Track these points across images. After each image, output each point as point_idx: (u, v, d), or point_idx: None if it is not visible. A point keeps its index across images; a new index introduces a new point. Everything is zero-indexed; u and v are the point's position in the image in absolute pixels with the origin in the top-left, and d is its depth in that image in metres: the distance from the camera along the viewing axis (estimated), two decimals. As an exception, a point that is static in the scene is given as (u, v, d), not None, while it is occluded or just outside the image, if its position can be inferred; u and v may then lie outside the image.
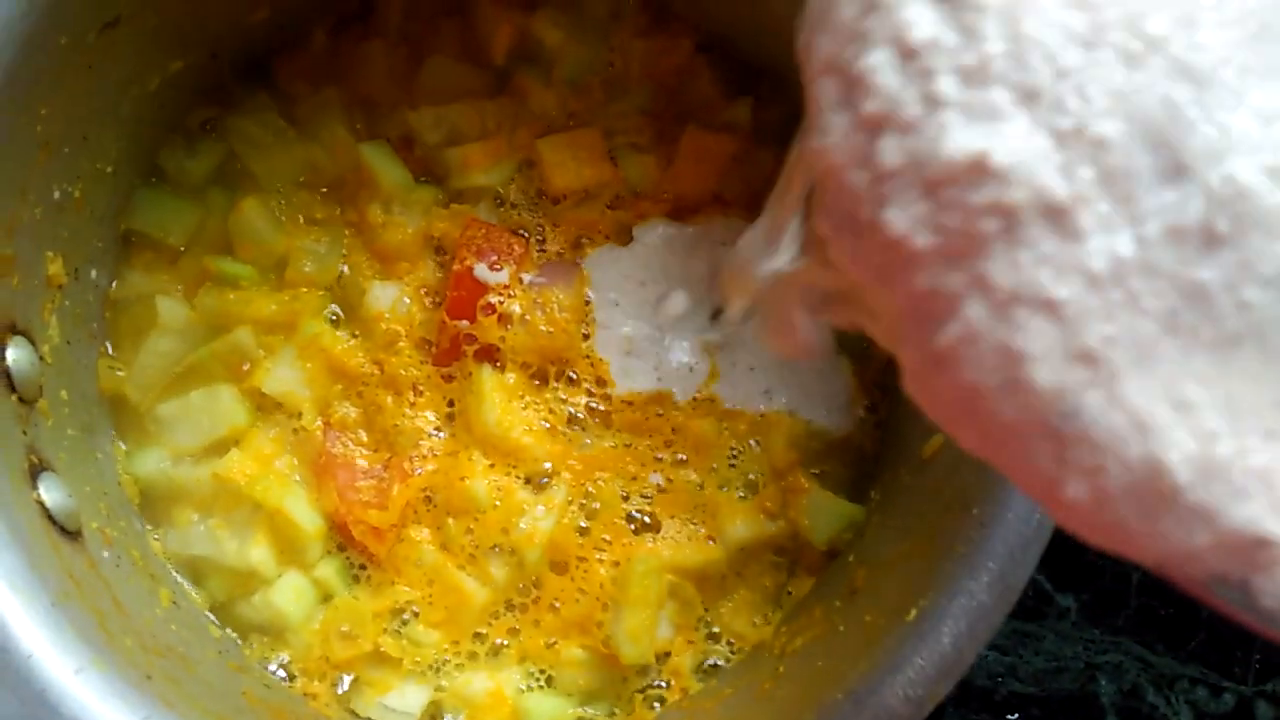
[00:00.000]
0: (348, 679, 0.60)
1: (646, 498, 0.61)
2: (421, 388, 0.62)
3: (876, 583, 0.54)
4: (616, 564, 0.60)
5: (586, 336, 0.62)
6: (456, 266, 0.61)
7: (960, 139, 0.28)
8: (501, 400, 0.60)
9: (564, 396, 0.62)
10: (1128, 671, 0.68)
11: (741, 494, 0.61)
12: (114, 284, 0.61)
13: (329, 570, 0.60)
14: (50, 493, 0.51)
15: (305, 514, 0.59)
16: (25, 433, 0.51)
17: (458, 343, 0.61)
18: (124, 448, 0.61)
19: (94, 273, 0.60)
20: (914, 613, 0.47)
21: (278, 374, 0.61)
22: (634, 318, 0.62)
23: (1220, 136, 0.27)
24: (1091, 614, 0.69)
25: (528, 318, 0.61)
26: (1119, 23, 0.28)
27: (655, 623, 0.59)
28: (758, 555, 0.61)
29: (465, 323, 0.61)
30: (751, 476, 0.62)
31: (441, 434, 0.61)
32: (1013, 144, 0.27)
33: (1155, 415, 0.27)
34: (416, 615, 0.60)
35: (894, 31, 0.29)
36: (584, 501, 0.61)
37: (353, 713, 0.59)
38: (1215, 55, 0.27)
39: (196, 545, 0.59)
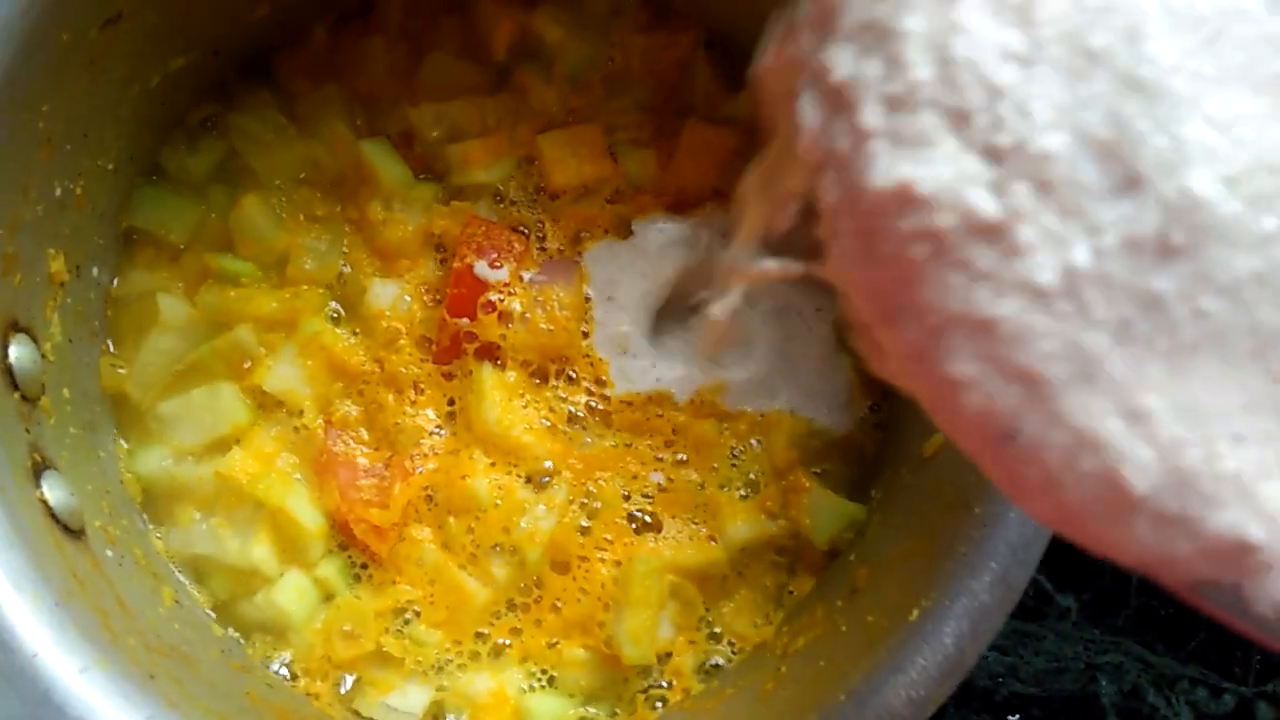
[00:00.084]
0: (350, 679, 0.60)
1: (648, 497, 0.61)
2: (422, 386, 0.62)
3: (878, 582, 0.54)
4: (618, 564, 0.60)
5: (586, 334, 0.62)
6: (457, 264, 0.61)
7: (885, 169, 0.28)
8: (502, 399, 0.60)
9: (564, 395, 0.62)
10: (1128, 672, 0.68)
11: (742, 493, 0.61)
12: (115, 281, 0.61)
13: (330, 569, 0.60)
14: (53, 491, 0.51)
15: (307, 513, 0.60)
16: (28, 431, 0.51)
17: (458, 341, 0.61)
18: (126, 446, 0.61)
19: (95, 270, 0.59)
20: (916, 613, 0.47)
21: (279, 372, 0.61)
22: (633, 315, 0.62)
23: (1174, 147, 0.27)
24: (1092, 614, 0.69)
25: (528, 316, 0.61)
26: (1059, 38, 0.27)
27: (657, 623, 0.59)
28: (759, 555, 0.61)
29: (465, 320, 0.61)
30: (752, 476, 0.62)
31: (442, 432, 0.61)
32: (937, 169, 0.27)
33: (1105, 429, 0.27)
34: (418, 615, 0.60)
35: (814, 76, 0.29)
36: (585, 501, 0.61)
37: (355, 712, 0.59)
38: (1165, 65, 0.27)
39: (198, 544, 0.59)
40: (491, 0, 0.65)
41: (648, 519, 0.61)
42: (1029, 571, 0.46)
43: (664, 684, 0.60)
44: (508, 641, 0.60)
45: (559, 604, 0.60)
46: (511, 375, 0.61)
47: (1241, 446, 0.27)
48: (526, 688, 0.60)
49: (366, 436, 0.61)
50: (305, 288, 0.62)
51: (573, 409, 0.62)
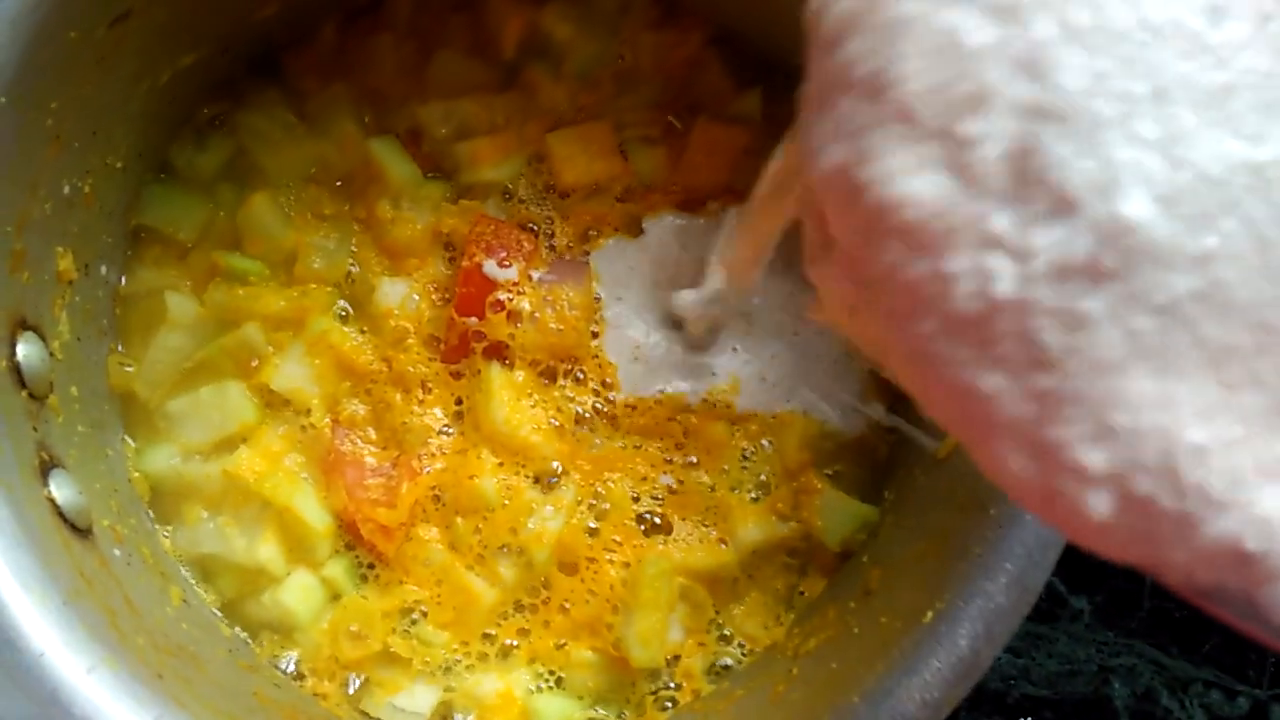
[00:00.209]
0: (358, 679, 0.60)
1: (657, 499, 0.61)
2: (430, 385, 0.61)
3: (891, 584, 0.53)
4: (627, 565, 0.60)
5: (595, 335, 0.62)
6: (465, 263, 0.61)
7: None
8: (510, 398, 0.60)
9: (571, 395, 0.61)
10: (1141, 674, 0.68)
11: (753, 495, 0.61)
12: (124, 279, 0.61)
13: (337, 569, 0.60)
14: (61, 490, 0.50)
15: (314, 512, 0.59)
16: (36, 429, 0.51)
17: (466, 340, 0.61)
18: (133, 444, 0.61)
19: (104, 268, 0.59)
20: (930, 615, 0.46)
21: (286, 370, 0.60)
22: (643, 316, 0.62)
23: (1103, 169, 0.26)
24: (1105, 616, 0.68)
25: (537, 315, 0.61)
26: (963, 76, 0.28)
27: (666, 626, 0.59)
28: (770, 557, 0.61)
29: (474, 320, 0.61)
30: (763, 477, 0.61)
31: (450, 432, 0.61)
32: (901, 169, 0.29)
33: (1004, 461, 0.28)
34: (425, 615, 0.60)
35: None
36: (593, 502, 0.61)
37: (363, 713, 0.59)
38: (1074, 89, 0.27)
39: (205, 543, 0.59)
40: (500, -2, 0.64)
41: (657, 521, 0.61)
42: (1045, 573, 0.46)
43: (673, 685, 0.60)
44: (515, 642, 0.60)
45: (567, 605, 0.60)
46: (520, 375, 0.61)
47: (1206, 458, 0.26)
48: (534, 689, 0.59)
49: (374, 436, 0.61)
50: (313, 286, 0.62)
51: (580, 409, 0.61)
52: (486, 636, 0.60)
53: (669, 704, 0.60)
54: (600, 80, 0.65)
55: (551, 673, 0.60)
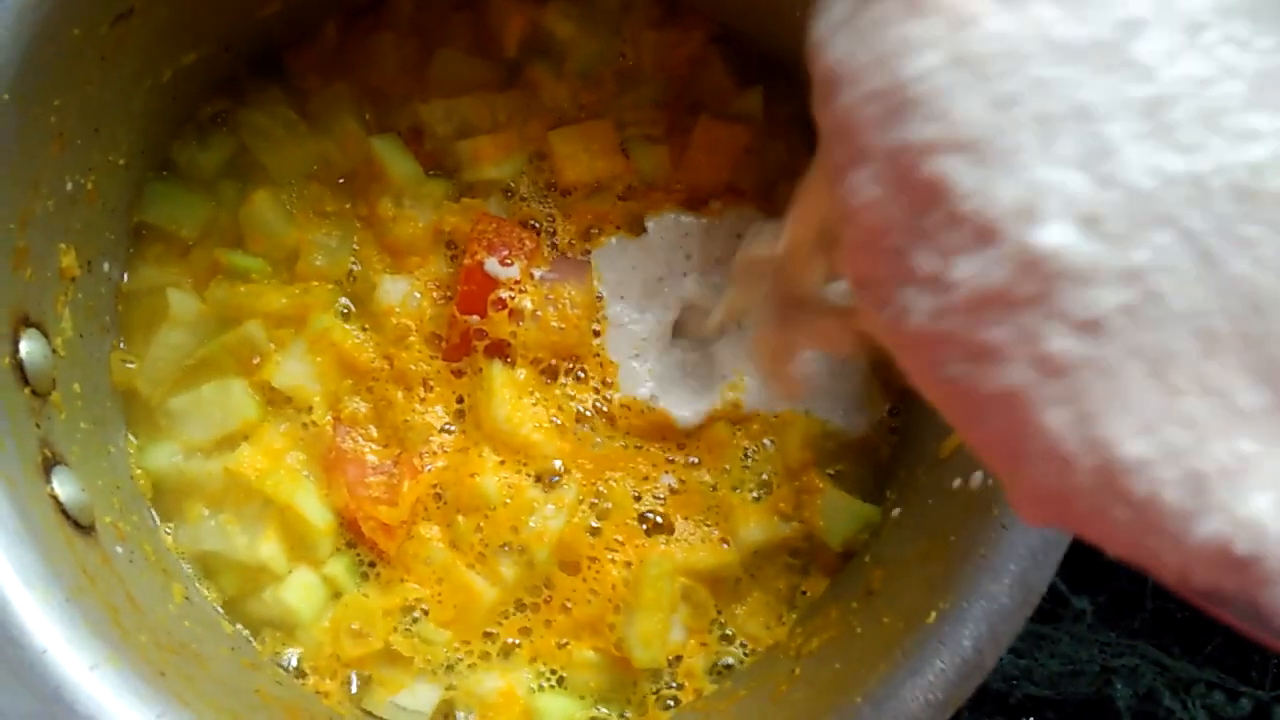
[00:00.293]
0: (359, 677, 0.60)
1: (659, 498, 0.61)
2: (431, 383, 0.61)
3: (894, 584, 0.53)
4: (628, 565, 0.60)
5: (597, 333, 0.61)
6: (467, 261, 0.61)
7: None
8: (511, 396, 0.60)
9: (572, 394, 0.61)
10: (1144, 675, 0.68)
11: (755, 495, 0.61)
12: (126, 276, 0.61)
13: (339, 567, 0.60)
14: (63, 487, 0.50)
15: (315, 510, 0.59)
16: (39, 426, 0.51)
17: (468, 338, 0.61)
18: (136, 441, 0.61)
19: (106, 265, 0.59)
20: (934, 615, 0.46)
21: (288, 368, 0.60)
22: (644, 315, 0.61)
23: (1026, 194, 0.26)
24: (1107, 617, 0.68)
25: (539, 313, 0.61)
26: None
27: (668, 627, 0.59)
28: (772, 557, 0.61)
29: (476, 318, 0.61)
30: (765, 477, 0.61)
31: (451, 430, 0.61)
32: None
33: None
34: (426, 613, 0.60)
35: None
36: (595, 501, 0.61)
37: (365, 711, 0.59)
38: (974, 120, 0.26)
39: (207, 540, 0.59)
40: (502, -4, 0.64)
41: (659, 520, 0.61)
42: (1049, 574, 0.46)
43: (675, 685, 0.60)
44: (517, 641, 0.60)
45: (569, 604, 0.59)
46: (521, 373, 0.61)
47: (1148, 469, 0.26)
48: (536, 687, 0.59)
49: (375, 433, 0.61)
50: (315, 284, 0.62)
51: (581, 408, 0.61)
52: (488, 635, 0.60)
53: (671, 703, 0.60)
54: (602, 79, 0.65)
55: (553, 672, 0.60)
